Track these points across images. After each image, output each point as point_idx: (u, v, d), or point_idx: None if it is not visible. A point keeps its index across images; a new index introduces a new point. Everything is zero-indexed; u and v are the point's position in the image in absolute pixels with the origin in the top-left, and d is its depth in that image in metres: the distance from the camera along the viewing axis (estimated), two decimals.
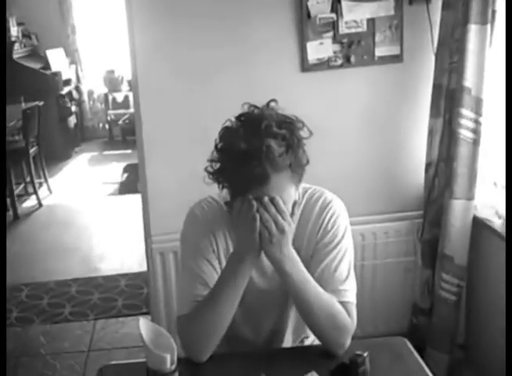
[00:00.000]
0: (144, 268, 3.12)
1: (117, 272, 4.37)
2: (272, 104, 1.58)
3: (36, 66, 7.47)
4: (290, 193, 1.52)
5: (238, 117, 1.54)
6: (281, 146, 1.46)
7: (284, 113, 1.54)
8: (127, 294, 4.03)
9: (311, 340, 1.86)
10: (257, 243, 1.50)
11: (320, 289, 1.58)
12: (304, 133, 1.54)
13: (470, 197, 2.56)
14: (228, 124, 1.55)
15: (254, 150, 1.43)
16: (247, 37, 2.74)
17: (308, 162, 1.55)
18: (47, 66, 7.66)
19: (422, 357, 1.69)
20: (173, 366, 1.39)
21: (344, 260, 1.65)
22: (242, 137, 1.46)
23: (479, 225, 2.60)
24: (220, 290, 1.57)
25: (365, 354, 1.55)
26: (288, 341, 1.83)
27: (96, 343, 3.44)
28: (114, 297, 4.01)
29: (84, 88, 8.68)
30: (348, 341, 1.62)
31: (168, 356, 1.38)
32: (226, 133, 1.54)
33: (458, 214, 2.58)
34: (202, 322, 1.58)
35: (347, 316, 1.61)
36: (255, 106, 1.55)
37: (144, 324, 1.44)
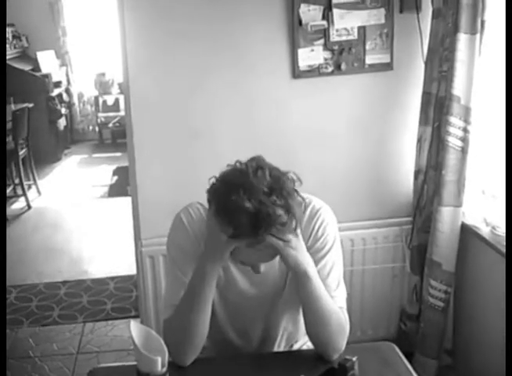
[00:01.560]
0: (134, 271, 3.13)
1: (107, 275, 4.37)
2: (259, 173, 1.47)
3: (26, 67, 7.45)
4: None
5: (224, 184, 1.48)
6: (283, 220, 1.42)
7: (271, 173, 1.47)
8: (116, 297, 4.02)
9: (300, 344, 1.88)
10: (225, 252, 1.52)
11: (327, 293, 1.61)
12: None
13: (458, 204, 2.58)
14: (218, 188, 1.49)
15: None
16: (239, 43, 2.75)
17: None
18: (37, 68, 7.64)
19: (410, 362, 1.71)
20: (164, 369, 1.40)
21: (335, 268, 1.67)
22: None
23: (467, 232, 2.63)
24: (187, 298, 1.60)
25: (354, 359, 1.56)
26: (279, 349, 1.84)
27: (85, 346, 3.44)
28: (103, 300, 4.00)
29: (75, 91, 8.65)
30: (344, 345, 1.65)
31: (159, 359, 1.38)
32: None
33: (446, 221, 2.60)
34: (179, 325, 1.61)
35: (345, 320, 1.65)
36: (240, 169, 1.48)
37: (135, 327, 1.45)
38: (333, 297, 1.63)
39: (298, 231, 1.52)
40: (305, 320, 1.66)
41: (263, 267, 1.58)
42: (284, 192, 1.43)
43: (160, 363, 1.39)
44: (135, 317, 3.53)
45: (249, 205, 1.39)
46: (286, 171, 1.51)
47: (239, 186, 1.41)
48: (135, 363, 1.42)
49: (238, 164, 1.50)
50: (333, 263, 1.67)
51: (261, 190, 1.41)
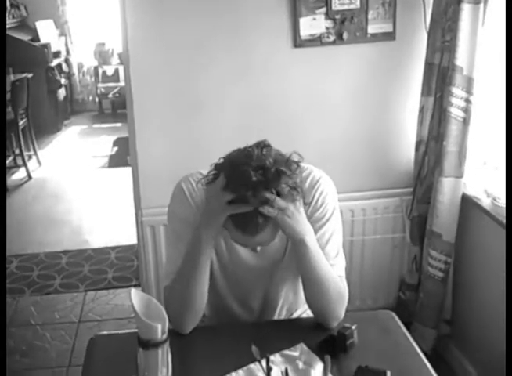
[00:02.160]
0: (134, 240, 3.14)
1: (107, 244, 4.39)
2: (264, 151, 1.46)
3: (25, 37, 7.38)
4: None
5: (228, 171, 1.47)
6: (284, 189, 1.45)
7: (276, 157, 1.46)
8: (117, 267, 4.05)
9: (300, 312, 1.89)
10: (220, 218, 1.51)
11: (326, 262, 1.61)
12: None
13: (459, 175, 2.58)
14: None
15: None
16: (240, 12, 2.72)
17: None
18: (36, 37, 7.57)
19: (409, 331, 1.72)
20: (164, 336, 1.40)
21: (333, 237, 1.67)
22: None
23: (468, 203, 2.63)
24: (184, 268, 1.61)
25: (354, 327, 1.58)
26: (280, 318, 1.86)
27: (86, 314, 3.48)
28: (105, 269, 4.03)
29: (74, 61, 8.59)
30: (343, 313, 1.66)
31: (159, 326, 1.39)
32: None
33: (447, 191, 2.60)
34: (178, 293, 1.63)
35: (344, 289, 1.65)
36: (246, 156, 1.45)
37: (136, 294, 1.45)
38: (332, 265, 1.64)
39: (301, 209, 1.53)
40: (304, 289, 1.67)
41: (259, 247, 1.59)
42: (289, 170, 1.45)
43: (161, 330, 1.39)
44: (136, 286, 3.56)
45: (253, 170, 1.40)
46: (289, 153, 1.50)
47: (244, 164, 1.42)
48: (135, 330, 1.43)
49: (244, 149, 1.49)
50: (332, 232, 1.67)
51: (265, 163, 1.42)
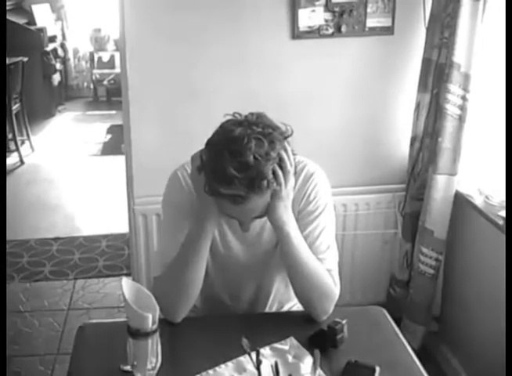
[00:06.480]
0: (126, 229, 3.13)
1: (99, 232, 4.38)
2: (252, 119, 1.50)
3: (20, 20, 7.30)
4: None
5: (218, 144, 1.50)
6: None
7: (264, 128, 1.50)
8: (108, 255, 4.04)
9: (290, 305, 1.89)
10: (216, 210, 1.52)
11: (312, 255, 1.61)
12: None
13: (453, 173, 2.58)
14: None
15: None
16: (238, 1, 2.70)
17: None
18: (32, 21, 7.49)
19: (398, 327, 1.73)
20: (154, 326, 1.40)
21: (325, 231, 1.67)
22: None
23: (460, 201, 2.63)
24: (183, 253, 1.61)
25: (344, 321, 1.58)
26: (271, 311, 1.86)
27: (76, 302, 3.46)
28: (95, 257, 4.02)
29: (70, 46, 8.53)
30: (332, 308, 1.66)
31: (150, 316, 1.39)
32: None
33: (440, 189, 2.60)
34: (171, 284, 1.62)
35: (333, 283, 1.65)
36: (238, 121, 1.51)
37: (127, 284, 1.45)
38: (322, 259, 1.64)
39: (291, 196, 1.54)
40: (291, 282, 1.68)
41: (252, 227, 1.58)
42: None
43: (151, 319, 1.39)
44: (126, 275, 3.54)
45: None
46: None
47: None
48: (125, 319, 1.43)
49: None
50: (324, 226, 1.67)
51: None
